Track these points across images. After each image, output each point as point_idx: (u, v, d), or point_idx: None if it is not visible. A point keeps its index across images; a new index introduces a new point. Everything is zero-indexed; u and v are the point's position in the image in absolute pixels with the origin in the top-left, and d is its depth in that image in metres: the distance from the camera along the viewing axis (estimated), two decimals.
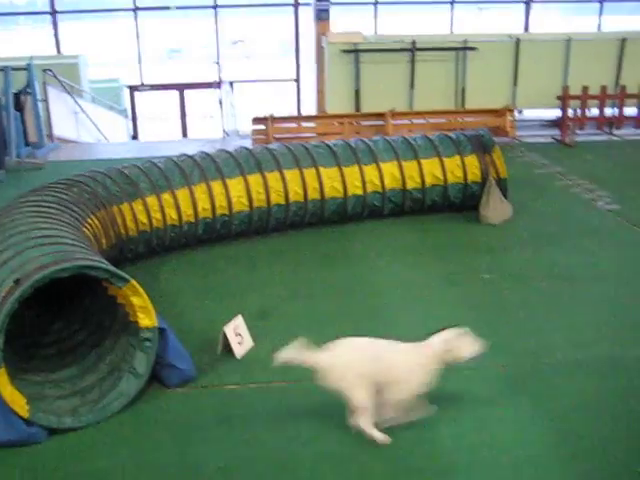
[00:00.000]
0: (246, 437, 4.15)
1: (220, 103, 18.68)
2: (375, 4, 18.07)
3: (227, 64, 19.95)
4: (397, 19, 19.82)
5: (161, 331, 4.54)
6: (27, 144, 12.57)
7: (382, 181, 7.92)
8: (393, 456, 3.95)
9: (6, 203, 6.17)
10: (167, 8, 18.81)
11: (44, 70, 14.33)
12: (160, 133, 19.77)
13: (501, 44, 14.65)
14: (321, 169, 7.71)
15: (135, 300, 4.38)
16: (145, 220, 6.91)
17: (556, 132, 13.98)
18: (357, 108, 14.36)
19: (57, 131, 14.81)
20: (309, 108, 17.15)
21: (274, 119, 12.89)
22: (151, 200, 6.96)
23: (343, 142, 8.19)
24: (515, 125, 13.69)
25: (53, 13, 17.74)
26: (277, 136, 12.55)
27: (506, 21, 20.27)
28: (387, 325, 5.57)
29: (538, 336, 5.39)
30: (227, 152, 7.72)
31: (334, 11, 16.18)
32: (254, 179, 7.46)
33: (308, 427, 4.24)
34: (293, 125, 13.48)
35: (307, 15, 17.32)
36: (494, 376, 4.82)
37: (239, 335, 5.15)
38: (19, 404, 4.02)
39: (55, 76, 14.65)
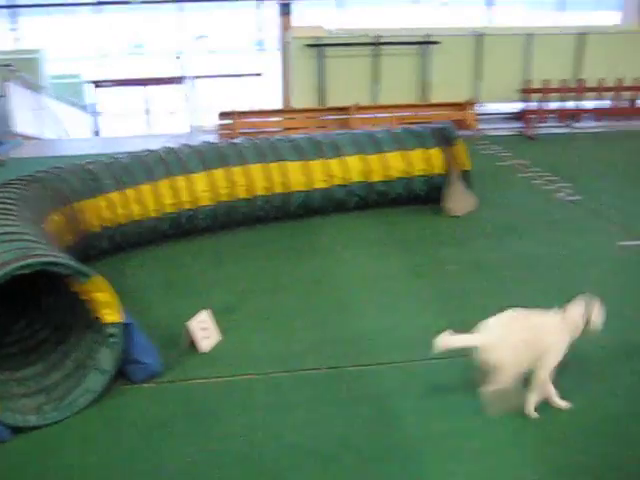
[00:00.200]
0: (213, 431, 4.16)
1: (185, 98, 18.56)
2: None
3: (191, 59, 19.84)
4: (361, 13, 19.87)
5: (126, 326, 4.51)
6: None
7: (347, 175, 7.96)
8: (358, 446, 3.99)
9: None
10: (129, 2, 18.60)
11: (4, 65, 14.09)
12: (124, 129, 19.56)
13: (464, 38, 14.77)
14: (286, 163, 7.72)
15: (99, 296, 4.35)
16: (109, 216, 6.86)
17: (518, 125, 14.18)
18: (322, 102, 14.39)
19: (19, 127, 14.58)
20: (275, 102, 17.11)
21: (240, 114, 12.86)
22: (115, 196, 6.92)
23: (308, 136, 8.22)
24: (478, 118, 13.86)
25: (12, 7, 17.44)
26: (243, 131, 12.53)
27: (470, 15, 20.45)
28: (354, 317, 5.62)
29: None
30: (192, 147, 7.70)
31: (299, 5, 16.17)
32: (219, 174, 7.45)
33: (274, 420, 4.26)
34: (259, 120, 13.48)
35: (272, 10, 17.27)
36: (460, 365, 4.88)
37: (206, 329, 5.15)
38: None
39: (16, 71, 14.41)
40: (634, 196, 9.07)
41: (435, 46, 14.47)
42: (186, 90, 18.70)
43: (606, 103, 15.10)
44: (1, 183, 6.50)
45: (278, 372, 4.80)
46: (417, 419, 4.25)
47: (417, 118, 12.78)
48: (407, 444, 4.01)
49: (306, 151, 7.86)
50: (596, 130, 14.16)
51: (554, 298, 5.92)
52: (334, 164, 7.92)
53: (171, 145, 7.85)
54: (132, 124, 20.43)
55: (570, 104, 14.83)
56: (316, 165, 7.84)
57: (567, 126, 14.47)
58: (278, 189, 7.71)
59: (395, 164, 8.12)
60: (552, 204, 8.79)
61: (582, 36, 14.99)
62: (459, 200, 8.21)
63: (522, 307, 4.32)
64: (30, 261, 4.16)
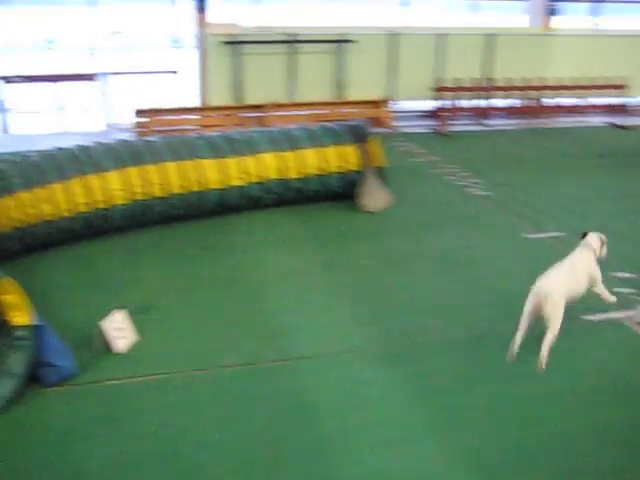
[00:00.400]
0: (129, 431, 4.14)
1: (100, 96, 18.13)
2: None
3: (106, 56, 19.38)
4: (278, 10, 19.87)
5: (38, 328, 4.42)
6: None
7: (263, 172, 8.00)
8: (275, 440, 4.06)
9: None
10: None
11: None
12: (35, 126, 18.92)
13: (379, 37, 15.00)
14: (201, 161, 7.69)
15: (8, 298, 4.26)
16: (18, 216, 6.65)
17: (432, 122, 14.54)
18: (240, 100, 14.35)
19: None
20: (193, 100, 16.93)
21: (156, 111, 12.69)
22: (25, 195, 6.71)
23: (223, 134, 8.20)
24: (393, 116, 14.13)
25: None
26: (159, 128, 12.37)
27: (385, 15, 20.74)
28: (270, 313, 5.67)
29: (416, 317, 5.64)
30: (105, 145, 7.56)
31: (215, 2, 16.03)
32: (134, 172, 7.35)
33: (190, 418, 4.28)
34: (175, 117, 13.32)
35: (188, 6, 17.05)
36: (373, 357, 5.01)
37: (121, 329, 5.09)
38: None
39: None
40: (539, 191, 9.47)
41: (351, 45, 14.64)
42: (101, 87, 18.25)
43: (515, 102, 15.67)
44: None
45: (195, 370, 4.80)
46: (331, 412, 4.34)
47: (333, 116, 12.92)
48: (322, 437, 4.09)
49: (222, 149, 7.85)
50: (506, 127, 14.68)
51: (464, 289, 6.19)
52: (250, 161, 7.94)
53: (84, 143, 7.68)
54: (44, 122, 19.77)
55: (481, 102, 15.31)
56: (232, 163, 7.84)
57: (479, 123, 14.94)
58: (194, 187, 7.67)
59: (311, 161, 8.21)
60: (464, 199, 9.08)
61: (492, 37, 15.48)
62: (374, 196, 8.37)
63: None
64: None
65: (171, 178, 7.52)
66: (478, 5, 19.65)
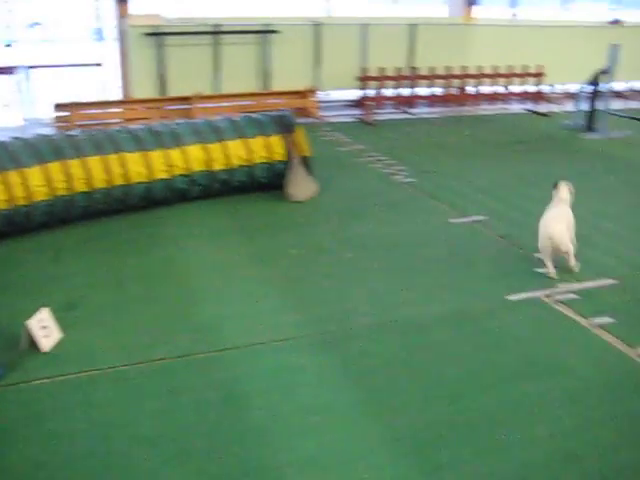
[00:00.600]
0: (59, 430, 4.07)
1: (18, 89, 17.58)
2: None
3: (24, 48, 18.83)
4: (201, 1, 19.70)
5: None
6: None
7: (188, 164, 7.95)
8: (209, 431, 4.08)
9: None
10: None
11: None
12: None
13: (304, 27, 15.02)
14: (125, 154, 7.59)
15: None
16: None
17: (358, 112, 14.69)
18: (164, 92, 14.16)
19: None
20: (116, 93, 16.62)
21: (77, 105, 12.40)
22: None
23: (146, 126, 8.10)
24: (319, 106, 14.21)
25: None
26: (81, 123, 12.08)
27: (309, 5, 20.82)
28: (200, 305, 5.68)
29: (344, 304, 5.75)
30: (24, 140, 7.36)
31: None
32: (55, 167, 7.18)
33: (122, 413, 4.25)
34: (98, 111, 13.04)
35: None
36: (303, 345, 5.08)
37: (46, 328, 5.01)
38: None
39: None
40: (463, 177, 9.73)
41: (275, 35, 14.62)
42: (19, 81, 17.70)
43: (438, 90, 15.97)
44: None
45: (125, 365, 4.77)
46: (264, 400, 4.39)
47: (259, 106, 12.89)
48: (255, 425, 4.13)
49: (145, 142, 7.76)
50: (430, 115, 14.97)
51: (393, 276, 6.32)
52: (175, 154, 7.87)
53: (1, 139, 7.46)
54: None
55: (405, 91, 15.55)
56: (156, 155, 7.76)
57: (403, 112, 15.18)
58: (118, 181, 7.55)
59: (236, 152, 8.20)
60: (390, 187, 9.24)
61: (413, 27, 15.71)
62: (300, 186, 8.43)
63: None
64: None
65: (94, 172, 7.38)
66: None
